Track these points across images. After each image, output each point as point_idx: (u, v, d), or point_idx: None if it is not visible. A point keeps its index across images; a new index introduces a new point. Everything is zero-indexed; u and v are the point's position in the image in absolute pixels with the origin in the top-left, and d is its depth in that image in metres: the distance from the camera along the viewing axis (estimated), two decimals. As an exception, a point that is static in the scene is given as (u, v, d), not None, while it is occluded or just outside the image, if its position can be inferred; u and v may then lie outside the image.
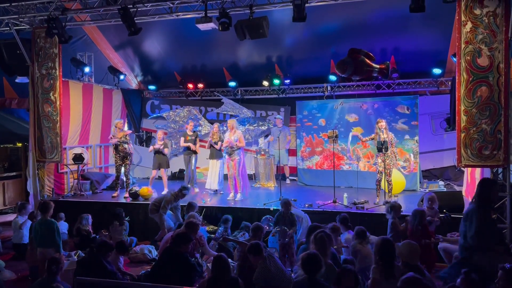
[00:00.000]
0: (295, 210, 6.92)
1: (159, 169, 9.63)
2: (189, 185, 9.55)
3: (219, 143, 9.33)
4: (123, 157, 9.21)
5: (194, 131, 10.03)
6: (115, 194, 9.32)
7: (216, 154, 9.46)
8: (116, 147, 9.22)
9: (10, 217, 10.10)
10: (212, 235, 7.65)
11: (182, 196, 7.64)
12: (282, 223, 6.32)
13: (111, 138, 9.26)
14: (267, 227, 6.75)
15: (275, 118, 11.19)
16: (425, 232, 5.54)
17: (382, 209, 7.48)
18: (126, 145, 9.17)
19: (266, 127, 11.39)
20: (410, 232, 5.56)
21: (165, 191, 9.28)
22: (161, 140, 9.63)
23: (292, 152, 11.60)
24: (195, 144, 9.76)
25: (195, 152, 9.81)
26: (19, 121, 11.14)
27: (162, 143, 9.59)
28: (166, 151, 9.61)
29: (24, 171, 10.92)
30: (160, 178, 9.95)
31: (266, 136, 11.30)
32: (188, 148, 9.75)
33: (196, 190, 9.69)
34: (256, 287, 4.31)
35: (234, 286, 4.11)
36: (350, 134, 9.20)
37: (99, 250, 5.08)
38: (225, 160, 9.07)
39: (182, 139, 9.82)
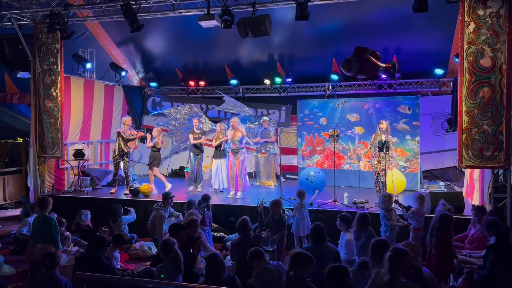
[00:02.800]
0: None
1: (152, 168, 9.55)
2: (191, 188, 9.61)
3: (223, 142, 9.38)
4: (122, 154, 9.23)
5: (200, 129, 9.95)
6: (113, 191, 9.32)
7: (221, 153, 9.47)
8: (119, 144, 9.23)
9: (10, 212, 10.14)
10: (215, 233, 7.65)
11: (169, 203, 7.52)
12: (270, 225, 6.18)
13: (120, 137, 9.22)
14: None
15: (261, 120, 11.11)
16: (443, 239, 4.94)
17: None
18: (129, 144, 9.21)
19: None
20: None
21: (168, 187, 9.25)
22: (152, 140, 9.55)
23: (292, 151, 11.60)
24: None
25: (202, 151, 9.77)
26: (20, 116, 11.14)
27: (156, 141, 9.51)
28: (154, 145, 9.50)
29: (24, 167, 10.94)
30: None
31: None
32: (195, 146, 9.71)
33: (199, 189, 9.67)
34: (254, 285, 4.30)
35: (231, 285, 4.09)
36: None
37: (95, 245, 5.07)
38: (229, 159, 9.07)
39: (191, 136, 9.75)
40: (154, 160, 9.52)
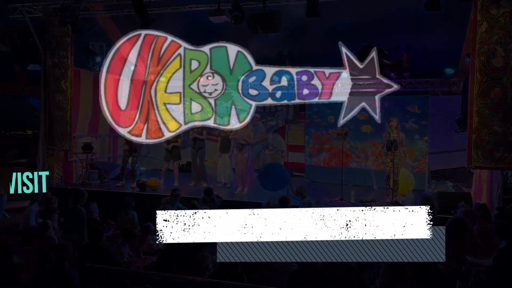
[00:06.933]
0: None
1: (170, 161, 9.57)
2: (192, 183, 9.63)
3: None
4: (132, 149, 9.25)
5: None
6: (119, 184, 9.36)
7: (227, 147, 9.47)
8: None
9: (19, 204, 10.20)
10: None
11: (176, 199, 7.54)
12: None
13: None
14: None
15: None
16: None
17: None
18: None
19: (274, 122, 11.35)
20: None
21: (175, 184, 9.30)
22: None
23: (299, 148, 11.58)
24: (201, 135, 9.73)
25: (203, 146, 9.79)
26: (30, 109, 11.23)
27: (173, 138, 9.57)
28: (179, 142, 9.57)
29: (33, 159, 11.01)
30: (170, 170, 9.91)
31: None
32: (195, 140, 9.73)
33: (204, 184, 9.68)
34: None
35: (239, 280, 4.12)
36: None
37: (93, 235, 5.10)
38: (234, 154, 9.09)
39: (191, 132, 9.77)
40: (175, 154, 9.59)
